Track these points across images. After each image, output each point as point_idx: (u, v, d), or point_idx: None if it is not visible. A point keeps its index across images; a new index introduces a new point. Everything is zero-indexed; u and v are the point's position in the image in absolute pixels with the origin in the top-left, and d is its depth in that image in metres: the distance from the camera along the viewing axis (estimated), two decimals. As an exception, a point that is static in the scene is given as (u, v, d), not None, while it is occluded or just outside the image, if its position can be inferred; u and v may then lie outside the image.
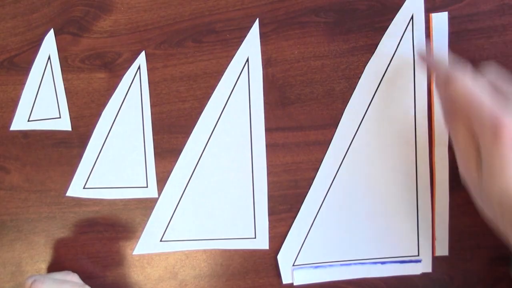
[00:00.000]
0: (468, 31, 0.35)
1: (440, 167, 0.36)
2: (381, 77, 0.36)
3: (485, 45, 0.35)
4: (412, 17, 0.36)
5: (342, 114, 0.37)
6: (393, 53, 0.36)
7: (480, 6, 0.35)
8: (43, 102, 0.41)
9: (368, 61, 0.37)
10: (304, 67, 0.37)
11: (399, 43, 0.36)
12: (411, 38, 0.36)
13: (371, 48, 0.37)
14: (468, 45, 0.36)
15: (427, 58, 0.34)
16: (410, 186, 0.36)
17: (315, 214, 0.37)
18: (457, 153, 0.31)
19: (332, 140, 0.37)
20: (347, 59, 0.37)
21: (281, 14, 0.38)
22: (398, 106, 0.36)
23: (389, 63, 0.36)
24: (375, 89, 0.36)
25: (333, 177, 0.37)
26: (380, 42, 0.36)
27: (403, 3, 0.36)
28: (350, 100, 0.37)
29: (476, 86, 0.29)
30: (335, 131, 0.37)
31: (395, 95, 0.36)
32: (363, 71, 0.37)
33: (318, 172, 0.37)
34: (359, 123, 0.37)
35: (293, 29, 0.37)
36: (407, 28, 0.36)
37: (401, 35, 0.36)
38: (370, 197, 0.37)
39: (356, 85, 0.37)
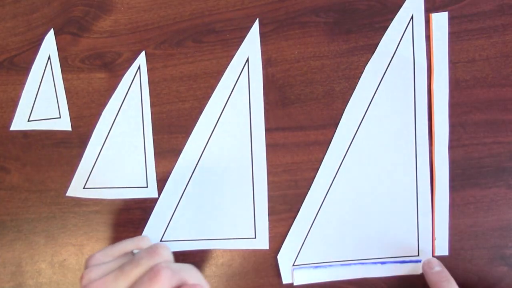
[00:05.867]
0: (468, 31, 0.35)
1: (440, 167, 0.36)
2: (381, 77, 0.36)
3: (485, 45, 0.35)
4: (412, 17, 0.36)
5: (342, 114, 0.37)
6: (393, 53, 0.36)
7: (480, 6, 0.35)
8: (43, 102, 0.41)
9: (368, 61, 0.37)
10: (304, 67, 0.37)
11: (399, 43, 0.36)
12: (411, 38, 0.36)
13: (371, 48, 0.37)
14: (468, 45, 0.36)
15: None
16: (410, 186, 0.36)
17: (315, 214, 0.37)
18: None
19: (332, 140, 0.37)
20: (347, 59, 0.37)
21: (281, 14, 0.38)
22: (398, 106, 0.36)
23: (389, 63, 0.36)
24: (375, 89, 0.36)
25: (333, 177, 0.37)
26: (380, 42, 0.36)
27: (403, 3, 0.36)
28: (350, 100, 0.37)
29: None
30: (335, 131, 0.37)
31: (395, 95, 0.36)
32: (363, 71, 0.37)
33: (318, 172, 0.37)
34: (359, 123, 0.37)
35: (293, 29, 0.37)
36: (407, 28, 0.36)
37: (401, 35, 0.36)
38: (370, 197, 0.37)
39: (356, 85, 0.37)
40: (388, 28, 0.36)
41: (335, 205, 0.37)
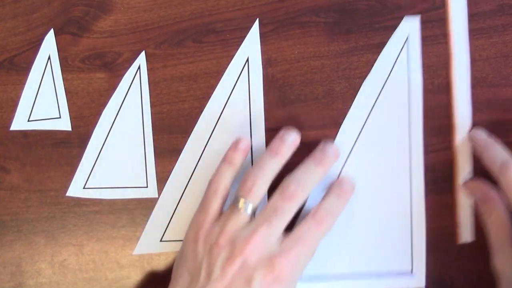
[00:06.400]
0: (468, 31, 0.35)
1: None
2: (375, 97, 0.36)
3: (485, 45, 0.35)
4: (407, 38, 0.36)
5: (336, 134, 0.37)
6: (388, 74, 0.36)
7: (480, 6, 0.35)
8: (43, 102, 0.41)
9: (368, 61, 0.37)
10: (304, 67, 0.37)
11: (394, 64, 0.36)
12: (406, 59, 0.36)
13: (371, 48, 0.37)
14: (468, 45, 0.36)
15: (480, 142, 0.35)
16: (404, 209, 0.36)
17: None
18: (493, 241, 0.33)
19: None
20: (347, 59, 0.37)
21: (281, 14, 0.38)
22: (392, 127, 0.36)
23: (384, 85, 0.36)
24: (370, 110, 0.36)
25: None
26: (375, 63, 0.36)
27: (403, 3, 0.36)
28: (344, 121, 0.37)
29: None
30: (335, 132, 0.37)
31: (390, 116, 0.36)
32: (358, 92, 0.37)
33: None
34: (352, 144, 0.37)
35: (293, 29, 0.37)
36: (403, 49, 0.36)
37: (396, 56, 0.36)
38: (363, 216, 0.37)
39: (356, 85, 0.37)
40: (383, 49, 0.36)
41: None
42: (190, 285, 0.32)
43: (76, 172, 0.40)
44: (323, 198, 0.34)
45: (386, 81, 0.36)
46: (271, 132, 0.38)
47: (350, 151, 0.37)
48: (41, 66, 0.41)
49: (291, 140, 0.35)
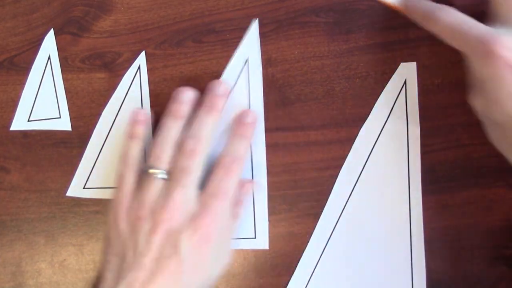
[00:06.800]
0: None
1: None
2: (373, 143, 0.36)
3: (485, 45, 0.35)
4: (405, 82, 0.36)
5: (335, 182, 0.37)
6: (386, 118, 0.36)
7: (480, 6, 0.35)
8: (43, 102, 0.41)
9: (368, 61, 0.37)
10: (304, 67, 0.38)
11: (392, 108, 0.36)
12: (405, 103, 0.36)
13: (371, 48, 0.37)
14: (468, 45, 0.35)
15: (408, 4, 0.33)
16: (405, 251, 0.36)
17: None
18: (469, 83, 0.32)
19: (325, 208, 0.37)
20: (347, 59, 0.37)
21: (281, 14, 0.38)
22: (391, 171, 0.36)
23: (382, 128, 0.36)
24: (368, 155, 0.36)
25: (322, 249, 0.37)
26: (374, 107, 0.36)
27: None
28: (343, 166, 0.37)
29: (458, 15, 0.29)
30: (335, 132, 0.37)
31: (388, 161, 0.36)
32: (357, 136, 0.36)
33: (308, 244, 0.37)
34: (351, 189, 0.37)
35: (293, 29, 0.37)
36: (400, 93, 0.36)
37: (394, 100, 0.36)
38: (363, 258, 0.37)
39: (355, 85, 0.37)
40: (382, 93, 0.36)
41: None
42: (120, 267, 0.31)
43: (76, 172, 0.40)
44: (227, 142, 0.34)
45: (384, 124, 0.36)
46: (271, 132, 0.38)
47: (350, 194, 0.37)
48: (41, 66, 0.41)
49: (187, 98, 0.35)
